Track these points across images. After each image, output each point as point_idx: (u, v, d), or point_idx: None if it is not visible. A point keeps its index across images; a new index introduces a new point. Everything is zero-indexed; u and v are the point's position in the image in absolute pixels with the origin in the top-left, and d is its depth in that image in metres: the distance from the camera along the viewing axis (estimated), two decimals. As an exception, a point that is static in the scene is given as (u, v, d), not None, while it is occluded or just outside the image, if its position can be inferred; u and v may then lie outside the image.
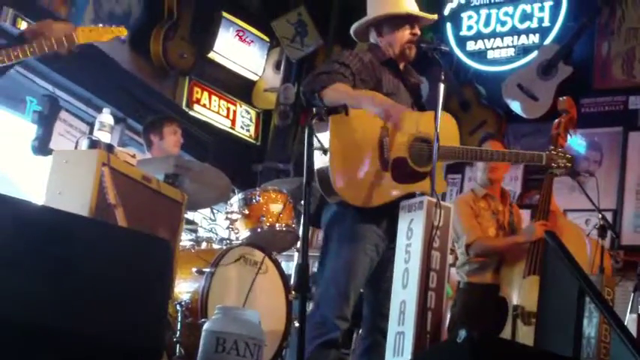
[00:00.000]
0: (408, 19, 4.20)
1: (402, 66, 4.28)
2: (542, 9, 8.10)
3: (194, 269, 4.98)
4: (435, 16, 4.34)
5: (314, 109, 3.66)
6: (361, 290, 4.16)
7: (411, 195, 3.95)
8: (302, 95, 4.04)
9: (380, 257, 4.06)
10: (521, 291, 5.00)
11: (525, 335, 4.86)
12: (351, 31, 4.39)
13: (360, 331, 4.62)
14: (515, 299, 5.04)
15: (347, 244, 4.02)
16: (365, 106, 3.87)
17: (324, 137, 3.82)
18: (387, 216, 3.98)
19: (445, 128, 3.98)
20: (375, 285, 4.12)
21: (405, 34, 4.19)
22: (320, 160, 3.86)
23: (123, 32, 4.53)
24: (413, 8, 4.24)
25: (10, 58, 3.99)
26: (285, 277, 5.31)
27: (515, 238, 5.29)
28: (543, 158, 4.54)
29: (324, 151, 3.76)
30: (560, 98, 5.06)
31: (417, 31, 4.21)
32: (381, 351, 3.86)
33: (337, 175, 3.85)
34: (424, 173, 4.01)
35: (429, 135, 4.01)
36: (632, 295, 5.96)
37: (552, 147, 4.76)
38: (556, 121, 4.98)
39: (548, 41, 7.96)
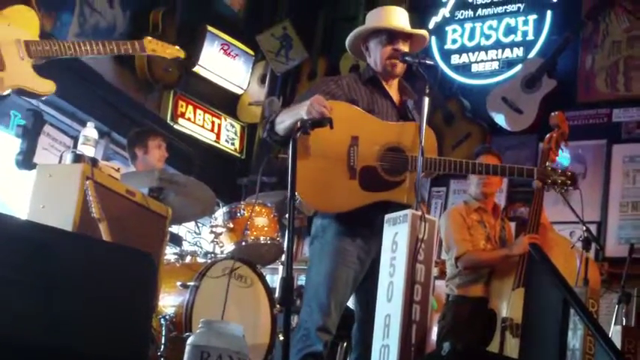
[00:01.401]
0: (390, 35, 4.16)
1: (389, 83, 4.25)
2: (526, 23, 8.13)
3: (178, 283, 4.97)
4: (423, 32, 4.27)
5: (298, 122, 3.68)
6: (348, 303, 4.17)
7: (383, 203, 3.96)
8: (267, 137, 4.08)
9: (366, 271, 4.06)
10: (510, 303, 5.01)
11: (514, 347, 4.87)
12: (347, 47, 4.38)
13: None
14: (504, 311, 5.05)
15: (328, 257, 4.03)
16: (301, 115, 3.85)
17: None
18: (371, 230, 3.96)
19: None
20: (362, 298, 4.13)
21: (386, 49, 4.16)
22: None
23: (180, 54, 4.96)
24: (399, 24, 4.19)
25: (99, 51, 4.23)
26: (269, 291, 5.30)
27: (505, 251, 5.30)
28: (534, 173, 4.25)
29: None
30: (552, 113, 5.06)
31: (400, 46, 4.15)
32: None
33: (299, 182, 3.81)
34: (394, 182, 4.01)
35: (401, 144, 4.02)
36: (617, 306, 5.98)
37: (544, 163, 4.68)
38: (548, 135, 4.98)
39: (532, 55, 7.99)
